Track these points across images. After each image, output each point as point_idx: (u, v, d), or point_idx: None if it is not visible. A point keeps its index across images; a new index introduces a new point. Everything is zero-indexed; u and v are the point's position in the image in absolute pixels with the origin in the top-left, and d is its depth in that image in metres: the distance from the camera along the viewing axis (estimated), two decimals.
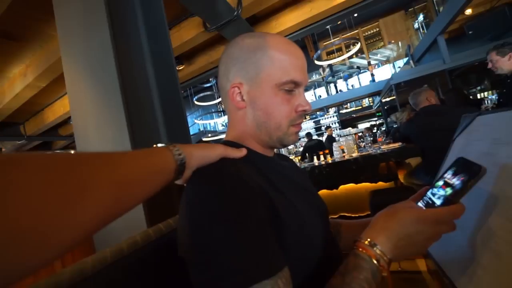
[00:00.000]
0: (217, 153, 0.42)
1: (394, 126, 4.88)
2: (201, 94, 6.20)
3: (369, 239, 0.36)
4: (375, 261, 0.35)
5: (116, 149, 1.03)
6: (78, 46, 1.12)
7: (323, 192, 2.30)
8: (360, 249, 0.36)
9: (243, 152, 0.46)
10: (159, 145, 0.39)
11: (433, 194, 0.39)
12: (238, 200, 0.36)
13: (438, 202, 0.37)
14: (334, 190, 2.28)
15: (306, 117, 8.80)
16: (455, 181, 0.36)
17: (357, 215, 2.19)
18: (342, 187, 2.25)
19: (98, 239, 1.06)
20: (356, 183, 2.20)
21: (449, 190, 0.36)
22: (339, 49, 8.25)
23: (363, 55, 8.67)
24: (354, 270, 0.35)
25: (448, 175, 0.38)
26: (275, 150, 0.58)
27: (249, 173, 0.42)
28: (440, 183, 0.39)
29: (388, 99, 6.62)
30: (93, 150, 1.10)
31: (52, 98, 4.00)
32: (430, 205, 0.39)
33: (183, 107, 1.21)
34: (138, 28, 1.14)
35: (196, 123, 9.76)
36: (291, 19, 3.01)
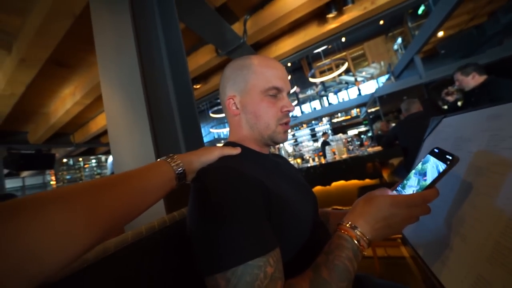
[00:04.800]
0: (215, 154, 0.45)
1: (379, 132, 4.80)
2: (215, 108, 6.28)
3: (350, 222, 0.36)
4: (355, 241, 0.34)
5: (143, 153, 1.05)
6: (113, 69, 1.17)
7: (317, 188, 2.26)
8: (342, 231, 0.36)
9: (238, 149, 0.48)
10: (162, 158, 0.40)
11: (408, 182, 0.37)
12: (235, 189, 0.36)
13: (413, 187, 0.36)
14: (327, 187, 2.24)
15: (303, 125, 8.73)
16: (431, 168, 0.34)
17: (347, 208, 2.13)
18: (334, 184, 2.22)
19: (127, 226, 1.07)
20: (346, 180, 2.16)
21: (424, 177, 0.35)
22: (330, 68, 8.24)
23: (351, 73, 8.62)
24: (337, 249, 0.34)
25: (424, 163, 0.36)
26: (271, 150, 0.59)
27: (247, 166, 0.43)
28: (415, 172, 0.37)
29: (373, 109, 6.54)
30: (124, 154, 1.11)
31: (95, 113, 4.14)
32: (404, 192, 0.37)
33: (198, 118, 1.24)
34: (161, 53, 1.18)
35: (211, 132, 9.85)
36: (288, 44, 3.03)
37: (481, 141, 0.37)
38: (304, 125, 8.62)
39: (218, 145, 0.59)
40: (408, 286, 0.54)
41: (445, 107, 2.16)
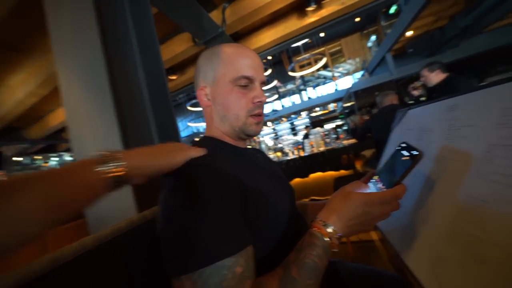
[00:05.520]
0: (177, 160, 0.38)
1: (355, 125, 5.06)
2: (193, 101, 6.05)
3: (323, 219, 0.36)
4: (327, 239, 0.34)
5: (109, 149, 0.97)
6: (72, 56, 1.04)
7: (296, 180, 2.33)
8: (315, 228, 0.36)
9: (203, 150, 0.43)
10: (95, 155, 0.31)
11: (379, 177, 0.39)
12: (207, 188, 0.35)
13: (383, 184, 0.37)
14: (305, 178, 2.32)
15: (283, 119, 8.85)
16: (398, 164, 0.35)
17: (324, 198, 2.23)
18: (311, 175, 2.30)
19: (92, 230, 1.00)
20: (323, 171, 2.26)
21: (393, 172, 0.36)
22: (309, 63, 8.39)
23: (329, 68, 8.89)
24: (308, 247, 0.34)
25: (392, 159, 0.37)
26: (252, 143, 0.57)
27: (222, 162, 0.41)
28: (385, 166, 0.38)
29: (348, 104, 6.85)
30: (87, 152, 1.00)
31: (55, 105, 3.72)
32: (376, 186, 0.38)
33: (173, 111, 1.17)
34: (130, 39, 1.08)
35: (190, 126, 9.52)
36: (268, 36, 3.01)
37: (441, 131, 0.40)
38: (284, 119, 8.76)
39: (196, 139, 0.55)
40: (376, 267, 0.58)
41: (411, 102, 2.34)
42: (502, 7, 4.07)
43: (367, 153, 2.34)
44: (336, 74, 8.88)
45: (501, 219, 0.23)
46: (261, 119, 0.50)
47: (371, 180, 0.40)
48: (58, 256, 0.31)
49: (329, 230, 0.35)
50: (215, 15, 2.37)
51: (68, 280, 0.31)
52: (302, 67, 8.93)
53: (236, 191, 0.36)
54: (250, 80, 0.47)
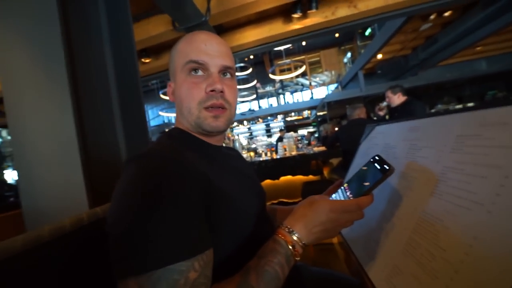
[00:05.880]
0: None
1: (326, 134, 5.38)
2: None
3: (288, 226, 0.35)
4: (290, 247, 0.34)
5: (58, 132, 0.83)
6: (17, 12, 0.86)
7: (267, 182, 2.35)
8: (279, 235, 0.35)
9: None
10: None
11: (349, 185, 0.39)
12: (169, 182, 0.31)
13: (351, 193, 0.37)
14: (276, 181, 2.36)
15: (259, 119, 8.94)
16: (369, 176, 0.36)
17: (292, 201, 2.31)
18: (282, 178, 2.35)
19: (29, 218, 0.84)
20: (293, 175, 2.33)
21: (364, 182, 0.36)
22: (289, 69, 8.65)
23: (307, 77, 9.30)
24: (270, 254, 0.33)
25: (363, 170, 0.38)
26: (225, 141, 0.54)
27: (189, 156, 0.37)
28: (356, 176, 0.38)
29: (321, 113, 7.26)
30: (29, 133, 0.84)
31: None
32: (345, 194, 0.38)
33: (141, 94, 1.05)
34: (97, 8, 0.94)
35: (161, 115, 8.93)
36: (253, 34, 2.98)
37: (403, 149, 0.43)
38: (260, 120, 8.86)
39: (166, 130, 0.50)
40: (335, 269, 0.60)
41: (375, 119, 2.59)
42: (454, 47, 4.77)
43: (334, 161, 2.49)
44: (313, 83, 9.34)
45: (452, 237, 0.25)
46: (219, 112, 0.43)
47: (340, 188, 0.41)
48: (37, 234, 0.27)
49: (294, 237, 0.34)
50: (199, 2, 2.26)
51: None
52: (282, 72, 9.15)
53: (199, 189, 0.33)
54: (199, 64, 0.42)
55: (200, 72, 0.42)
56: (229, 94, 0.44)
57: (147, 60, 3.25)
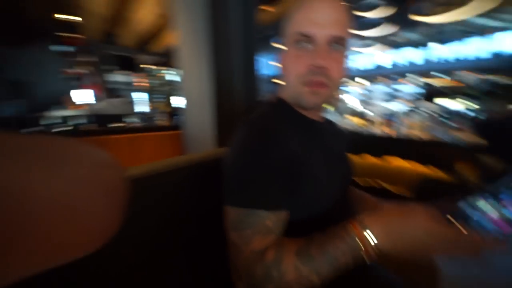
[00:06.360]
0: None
1: (487, 116, 3.45)
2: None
3: (364, 222, 0.35)
4: (358, 241, 0.34)
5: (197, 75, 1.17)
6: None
7: (368, 158, 1.96)
8: (352, 226, 0.36)
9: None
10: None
11: (482, 209, 0.30)
12: (267, 152, 0.38)
13: (486, 223, 0.29)
14: (379, 161, 1.92)
15: (385, 78, 7.12)
16: None
17: (390, 189, 1.85)
18: (390, 159, 1.87)
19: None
20: (408, 159, 1.77)
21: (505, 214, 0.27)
22: (448, 3, 5.60)
23: (491, 14, 5.69)
24: (338, 239, 0.35)
25: None
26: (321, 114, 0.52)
27: (285, 130, 0.42)
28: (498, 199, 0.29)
29: (499, 78, 4.57)
30: (186, 71, 1.24)
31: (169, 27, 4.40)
32: (470, 220, 0.30)
33: (253, 40, 1.14)
34: None
35: (270, 65, 9.15)
36: None
37: None
38: (386, 79, 6.93)
39: (270, 99, 0.53)
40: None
41: None
42: None
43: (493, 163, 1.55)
44: (496, 24, 5.60)
45: None
46: (319, 89, 0.42)
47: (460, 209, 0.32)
48: (153, 168, 0.47)
49: (365, 234, 0.34)
50: None
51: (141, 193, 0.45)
52: (436, 11, 6.13)
53: (288, 161, 0.39)
54: (307, 37, 0.40)
55: (305, 44, 0.41)
56: (334, 70, 0.42)
57: (271, 9, 3.16)
